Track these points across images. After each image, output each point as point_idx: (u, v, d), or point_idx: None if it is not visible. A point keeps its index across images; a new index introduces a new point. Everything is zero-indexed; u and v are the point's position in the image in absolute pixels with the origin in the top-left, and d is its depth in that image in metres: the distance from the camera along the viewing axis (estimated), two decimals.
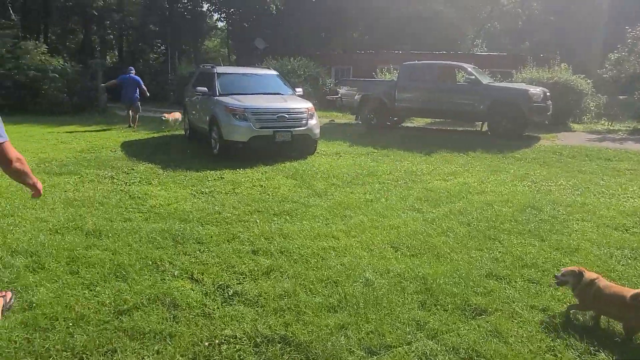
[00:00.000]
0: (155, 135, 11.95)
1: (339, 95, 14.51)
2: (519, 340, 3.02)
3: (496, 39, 39.92)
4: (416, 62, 14.05)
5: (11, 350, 2.72)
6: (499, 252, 4.48)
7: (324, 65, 22.80)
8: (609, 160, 9.21)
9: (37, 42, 19.48)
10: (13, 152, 2.66)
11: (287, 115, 8.70)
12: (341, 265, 4.07)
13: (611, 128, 14.43)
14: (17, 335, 2.85)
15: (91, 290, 3.46)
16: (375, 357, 2.81)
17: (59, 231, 4.60)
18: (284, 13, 31.48)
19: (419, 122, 16.15)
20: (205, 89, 9.55)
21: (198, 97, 10.07)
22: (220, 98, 9.06)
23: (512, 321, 3.25)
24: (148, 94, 13.93)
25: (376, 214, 5.58)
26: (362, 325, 3.13)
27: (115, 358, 2.72)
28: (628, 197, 6.55)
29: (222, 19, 39.59)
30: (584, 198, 6.39)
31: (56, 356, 2.71)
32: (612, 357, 2.85)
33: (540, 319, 3.29)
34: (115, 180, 6.83)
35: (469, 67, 12.55)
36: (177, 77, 23.60)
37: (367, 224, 5.21)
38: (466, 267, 4.10)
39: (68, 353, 2.74)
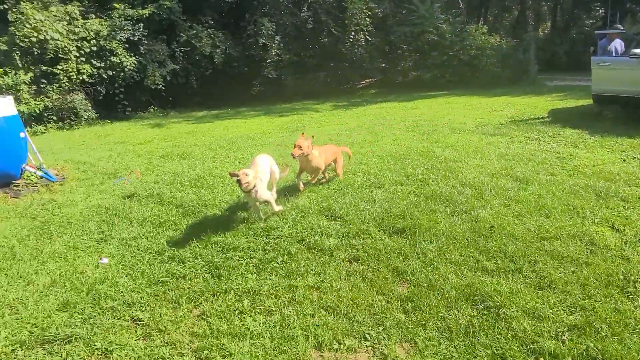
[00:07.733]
0: (585, 103, 11.56)
1: None
2: None
3: None
4: None
5: (455, 242, 3.91)
6: None
7: None
8: None
9: (478, 25, 21.95)
10: None
11: None
12: None
13: None
14: (463, 235, 4.03)
15: (519, 219, 4.29)
16: None
17: (494, 175, 5.68)
18: None
19: None
20: None
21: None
22: None
23: None
24: None
25: None
26: None
27: (537, 267, 3.44)
28: None
29: None
30: None
31: (494, 255, 3.68)
32: None
33: None
34: (541, 142, 7.40)
35: None
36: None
37: None
38: None
39: (502, 255, 3.67)
